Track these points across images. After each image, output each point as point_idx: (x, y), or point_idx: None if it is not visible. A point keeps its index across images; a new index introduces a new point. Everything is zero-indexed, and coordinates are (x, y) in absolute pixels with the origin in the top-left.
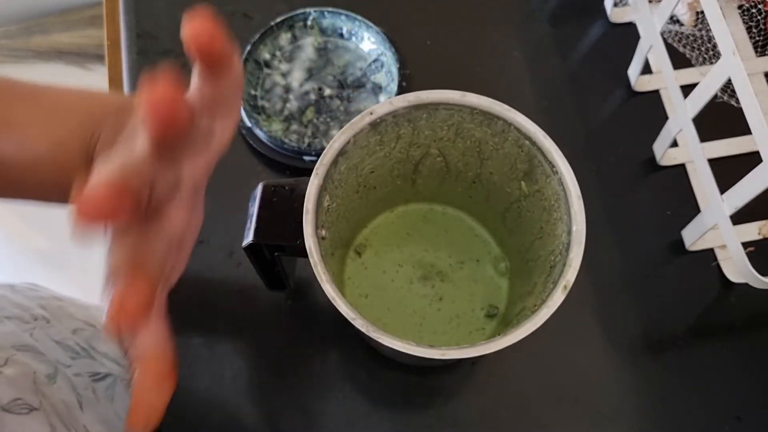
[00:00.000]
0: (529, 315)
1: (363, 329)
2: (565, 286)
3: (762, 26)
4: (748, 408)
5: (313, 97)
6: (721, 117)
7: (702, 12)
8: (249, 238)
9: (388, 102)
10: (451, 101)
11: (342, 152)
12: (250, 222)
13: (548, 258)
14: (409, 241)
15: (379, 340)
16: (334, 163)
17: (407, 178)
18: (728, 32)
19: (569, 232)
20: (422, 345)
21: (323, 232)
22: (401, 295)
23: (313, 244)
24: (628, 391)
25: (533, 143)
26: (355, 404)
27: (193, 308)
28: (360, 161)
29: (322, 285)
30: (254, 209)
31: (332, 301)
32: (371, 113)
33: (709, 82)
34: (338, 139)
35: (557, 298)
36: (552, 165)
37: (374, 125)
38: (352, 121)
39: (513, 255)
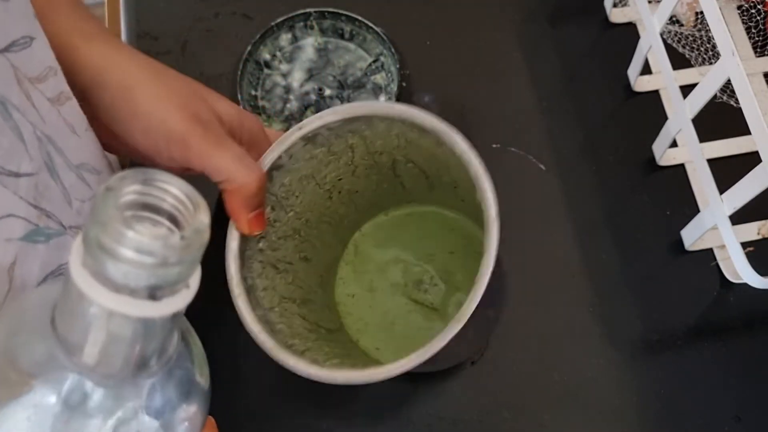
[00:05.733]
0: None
1: (262, 346)
2: (459, 320)
3: (761, 26)
4: (748, 408)
5: (313, 97)
6: (721, 117)
7: (701, 12)
8: None
9: (317, 116)
10: (380, 113)
11: (276, 167)
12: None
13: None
14: (404, 242)
15: (277, 360)
16: (269, 178)
17: (393, 181)
18: (727, 33)
19: (482, 256)
20: (315, 365)
21: (261, 245)
22: (388, 297)
23: (233, 260)
24: (628, 391)
25: (459, 156)
26: (355, 404)
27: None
28: (314, 171)
29: (233, 300)
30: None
31: (240, 318)
32: (300, 128)
33: (708, 82)
34: (268, 155)
35: (450, 331)
36: (472, 180)
37: (308, 139)
38: (282, 137)
39: None
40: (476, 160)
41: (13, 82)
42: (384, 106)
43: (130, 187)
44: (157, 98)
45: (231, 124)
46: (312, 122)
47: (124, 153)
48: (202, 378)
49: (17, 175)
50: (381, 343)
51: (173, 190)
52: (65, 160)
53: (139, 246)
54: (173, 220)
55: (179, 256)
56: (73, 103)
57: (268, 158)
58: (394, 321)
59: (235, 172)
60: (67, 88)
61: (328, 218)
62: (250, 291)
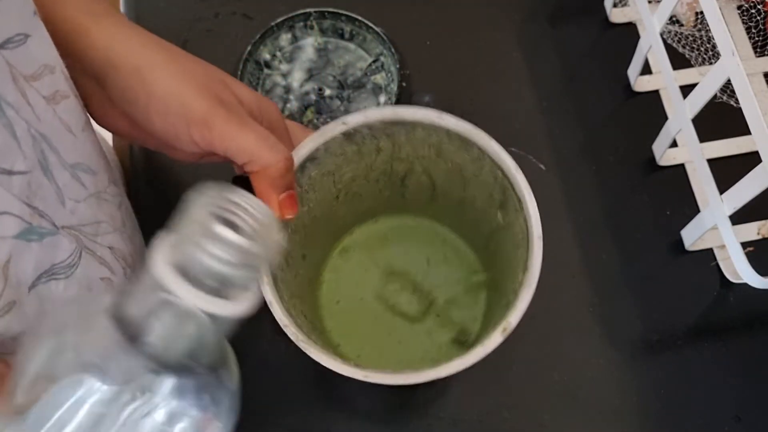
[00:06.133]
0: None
1: (293, 338)
2: (505, 329)
3: (761, 26)
4: (748, 408)
5: (313, 97)
6: (721, 117)
7: (701, 12)
8: None
9: (362, 114)
10: (427, 121)
11: (311, 158)
12: None
13: (508, 295)
14: (392, 251)
15: (308, 353)
16: (302, 168)
17: (395, 190)
18: (727, 32)
19: (524, 272)
20: (347, 363)
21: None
22: (373, 306)
23: None
24: (628, 391)
25: (505, 175)
26: (354, 404)
27: None
28: (336, 168)
29: (261, 287)
30: None
31: (269, 306)
32: (344, 123)
33: (708, 82)
34: (306, 145)
35: (495, 339)
36: (519, 200)
37: (348, 135)
38: (323, 128)
39: (492, 282)
40: (523, 181)
41: (9, 79)
42: (433, 115)
43: (212, 200)
44: (173, 79)
45: (250, 107)
46: (356, 118)
47: (142, 140)
48: (235, 387)
49: (10, 173)
50: (363, 351)
51: (250, 209)
52: (60, 159)
53: (225, 244)
54: (248, 236)
55: (255, 261)
56: (70, 102)
57: (307, 147)
58: (376, 329)
59: (260, 151)
60: (62, 87)
61: (328, 217)
62: (275, 281)
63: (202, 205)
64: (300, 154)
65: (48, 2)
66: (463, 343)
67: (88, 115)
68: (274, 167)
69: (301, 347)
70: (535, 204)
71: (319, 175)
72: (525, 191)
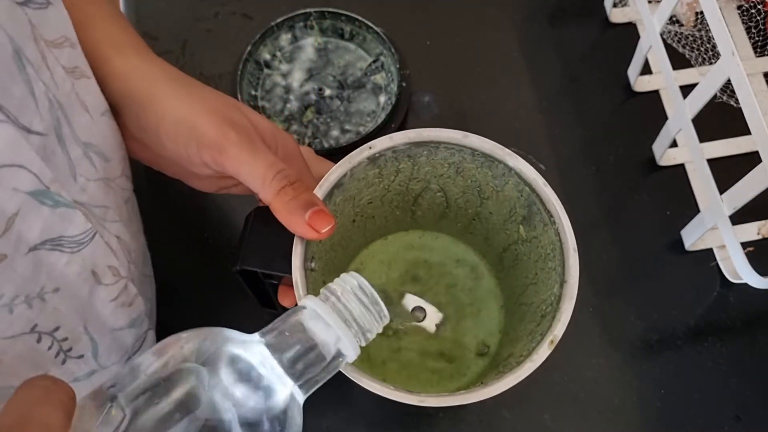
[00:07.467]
0: (514, 366)
1: (344, 370)
2: (552, 341)
3: (761, 26)
4: (748, 408)
5: (313, 97)
6: (721, 117)
7: (701, 12)
8: (238, 264)
9: (388, 137)
10: (453, 141)
11: (338, 185)
12: (242, 246)
13: (540, 306)
14: (403, 270)
15: (358, 382)
16: (329, 195)
17: (406, 210)
18: (727, 32)
19: (561, 285)
20: (400, 389)
21: (313, 264)
22: (392, 324)
23: (300, 278)
24: (627, 391)
25: (533, 190)
26: (354, 404)
27: (193, 314)
28: (357, 193)
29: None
30: (246, 234)
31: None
32: (370, 148)
33: (708, 82)
34: (334, 172)
35: (543, 352)
36: (550, 214)
37: (373, 159)
38: (350, 154)
39: (509, 295)
40: (553, 195)
41: (30, 37)
42: (458, 135)
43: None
44: (183, 104)
45: (264, 135)
46: (382, 143)
47: (160, 166)
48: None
49: (29, 131)
50: (387, 375)
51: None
52: (72, 132)
53: (372, 296)
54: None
55: (381, 322)
56: (90, 83)
57: (335, 174)
58: (399, 350)
59: (270, 181)
60: (83, 67)
61: (345, 242)
62: None
63: (350, 279)
64: (329, 180)
65: (76, 27)
66: (485, 355)
67: (108, 105)
68: (282, 191)
69: (352, 378)
70: (568, 218)
71: (342, 200)
72: (557, 206)
